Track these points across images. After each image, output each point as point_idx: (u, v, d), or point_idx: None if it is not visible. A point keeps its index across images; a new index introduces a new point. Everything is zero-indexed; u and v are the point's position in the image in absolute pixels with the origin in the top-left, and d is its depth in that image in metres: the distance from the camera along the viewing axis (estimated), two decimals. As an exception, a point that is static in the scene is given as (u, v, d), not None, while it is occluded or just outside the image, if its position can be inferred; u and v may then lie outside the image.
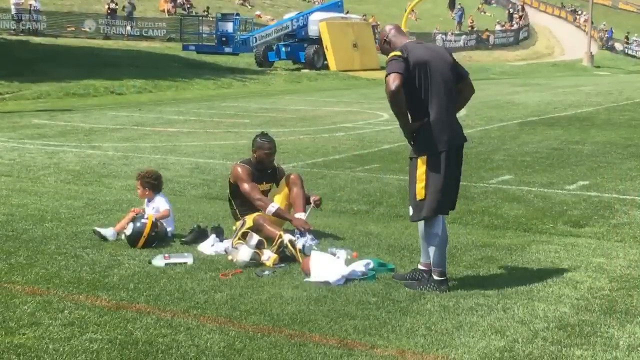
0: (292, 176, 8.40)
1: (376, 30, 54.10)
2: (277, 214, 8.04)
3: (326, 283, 6.58)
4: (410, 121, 6.48)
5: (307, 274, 6.80)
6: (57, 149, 15.01)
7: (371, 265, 6.97)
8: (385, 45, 6.74)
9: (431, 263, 6.58)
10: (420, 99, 6.41)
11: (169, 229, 8.28)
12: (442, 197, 6.45)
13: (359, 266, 6.90)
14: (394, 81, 6.24)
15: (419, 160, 6.46)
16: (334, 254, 7.08)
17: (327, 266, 6.75)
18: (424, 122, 6.41)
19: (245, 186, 8.13)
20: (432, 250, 6.56)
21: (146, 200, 8.54)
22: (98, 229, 8.15)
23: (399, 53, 6.40)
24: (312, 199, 8.37)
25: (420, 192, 6.45)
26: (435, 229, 6.53)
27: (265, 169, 8.32)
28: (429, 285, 6.52)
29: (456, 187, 6.68)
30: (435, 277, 6.54)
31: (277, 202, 8.27)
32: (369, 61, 45.17)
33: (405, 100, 6.36)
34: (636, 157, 14.54)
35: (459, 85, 6.66)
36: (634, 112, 23.97)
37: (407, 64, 6.34)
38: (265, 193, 8.33)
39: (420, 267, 6.80)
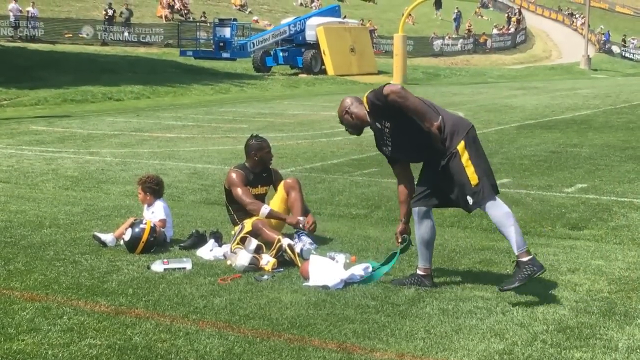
0: (289, 180, 8.39)
1: (374, 35, 54.21)
2: (270, 215, 8.03)
3: (325, 287, 6.58)
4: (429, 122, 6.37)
5: (306, 278, 6.80)
6: (55, 155, 15.01)
7: (370, 269, 6.97)
8: (346, 116, 6.81)
9: (515, 246, 6.25)
10: (429, 108, 6.41)
11: (168, 235, 8.28)
12: (492, 175, 6.43)
13: (358, 270, 6.89)
14: (393, 85, 6.31)
15: (459, 149, 6.33)
16: (333, 258, 7.08)
17: (326, 270, 6.75)
18: (440, 121, 6.30)
19: (238, 191, 8.14)
20: (511, 231, 6.24)
21: (146, 205, 8.53)
22: (98, 234, 8.15)
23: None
24: (306, 223, 8.15)
25: (473, 177, 6.31)
26: (503, 208, 6.31)
27: (262, 171, 8.33)
28: (524, 270, 6.17)
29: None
30: (525, 259, 6.21)
31: (274, 207, 8.27)
32: (366, 65, 45.21)
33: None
34: (634, 160, 14.55)
35: None
36: (631, 114, 23.99)
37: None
38: (261, 197, 8.33)
39: (418, 272, 6.78)
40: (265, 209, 8.04)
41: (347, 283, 6.71)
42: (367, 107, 6.61)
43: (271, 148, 8.38)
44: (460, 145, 6.35)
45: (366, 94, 6.58)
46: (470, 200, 6.37)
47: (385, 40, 56.39)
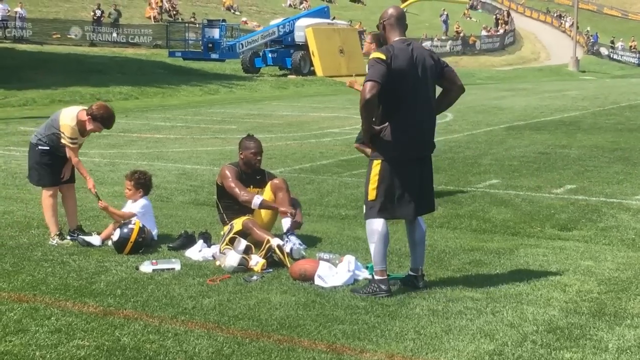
0: (276, 181, 8.34)
1: (362, 36, 54.23)
2: (262, 205, 8.03)
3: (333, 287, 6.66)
4: (378, 123, 6.45)
5: (300, 279, 6.79)
6: (43, 155, 14.91)
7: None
8: (379, 26, 6.70)
9: (373, 262, 6.55)
10: (390, 104, 6.41)
11: (153, 232, 8.24)
12: (391, 202, 6.46)
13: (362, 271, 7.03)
14: (370, 90, 6.23)
15: (374, 162, 6.49)
16: (327, 260, 7.04)
17: (332, 274, 6.81)
18: (384, 127, 6.41)
19: (230, 183, 8.12)
20: (371, 247, 6.52)
21: (130, 201, 8.47)
22: (82, 237, 8.12)
23: (383, 56, 6.33)
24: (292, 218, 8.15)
25: (371, 193, 6.49)
26: (375, 226, 6.49)
27: (253, 172, 8.29)
28: (370, 287, 6.48)
29: (414, 194, 6.52)
30: (377, 278, 6.49)
31: (263, 207, 8.27)
32: (355, 67, 45.03)
33: (384, 101, 6.38)
34: (622, 161, 14.58)
35: (444, 84, 6.68)
36: (620, 116, 24.06)
37: (389, 69, 6.29)
38: (252, 198, 8.30)
39: (410, 273, 6.78)
40: (257, 199, 8.02)
41: (356, 279, 6.88)
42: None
43: (260, 150, 8.30)
44: (377, 161, 6.48)
45: (372, 56, 6.42)
46: (364, 209, 6.63)
47: (374, 41, 56.31)
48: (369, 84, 6.26)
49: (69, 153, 8.15)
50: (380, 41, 8.39)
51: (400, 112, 6.41)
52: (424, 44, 59.34)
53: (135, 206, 8.34)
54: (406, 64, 6.37)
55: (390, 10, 6.67)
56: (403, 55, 6.39)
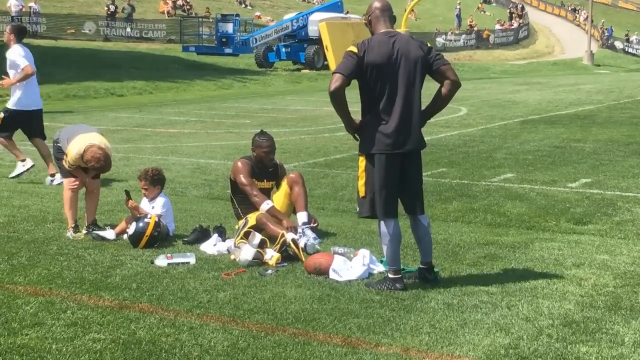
0: (292, 175, 8.37)
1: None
2: (270, 211, 8.01)
3: (348, 281, 6.66)
4: (361, 116, 6.49)
5: (314, 273, 6.79)
6: (58, 150, 14.95)
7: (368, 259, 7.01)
8: (366, 23, 6.68)
9: (386, 262, 6.55)
10: (368, 98, 6.40)
11: (170, 228, 8.25)
12: (381, 198, 6.40)
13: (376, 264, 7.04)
14: (334, 82, 6.23)
15: (360, 157, 6.50)
16: (342, 254, 7.04)
17: (346, 268, 6.81)
18: (365, 121, 6.42)
19: (243, 179, 8.12)
20: (384, 248, 6.52)
21: (145, 199, 8.49)
22: (96, 232, 8.15)
23: (355, 50, 6.29)
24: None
25: (361, 189, 6.49)
26: (385, 228, 6.46)
27: (265, 167, 8.30)
28: (385, 284, 6.46)
29: (396, 192, 6.47)
30: (391, 276, 6.48)
31: (278, 201, 8.27)
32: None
33: (363, 95, 6.42)
34: (638, 155, 14.52)
35: (437, 78, 6.50)
36: (635, 109, 23.95)
37: (360, 63, 6.24)
38: (266, 191, 8.30)
39: (421, 266, 6.78)
40: (266, 205, 8.02)
41: (371, 272, 6.87)
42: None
43: (273, 149, 8.29)
44: (362, 157, 6.50)
45: (347, 50, 6.40)
46: (357, 206, 6.68)
47: (387, 35, 56.14)
48: (334, 77, 6.26)
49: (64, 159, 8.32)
50: (18, 32, 10.62)
51: (378, 106, 6.37)
52: (436, 39, 58.72)
53: (157, 206, 8.32)
54: (383, 58, 6.28)
55: (375, 4, 6.61)
56: (381, 48, 6.30)
